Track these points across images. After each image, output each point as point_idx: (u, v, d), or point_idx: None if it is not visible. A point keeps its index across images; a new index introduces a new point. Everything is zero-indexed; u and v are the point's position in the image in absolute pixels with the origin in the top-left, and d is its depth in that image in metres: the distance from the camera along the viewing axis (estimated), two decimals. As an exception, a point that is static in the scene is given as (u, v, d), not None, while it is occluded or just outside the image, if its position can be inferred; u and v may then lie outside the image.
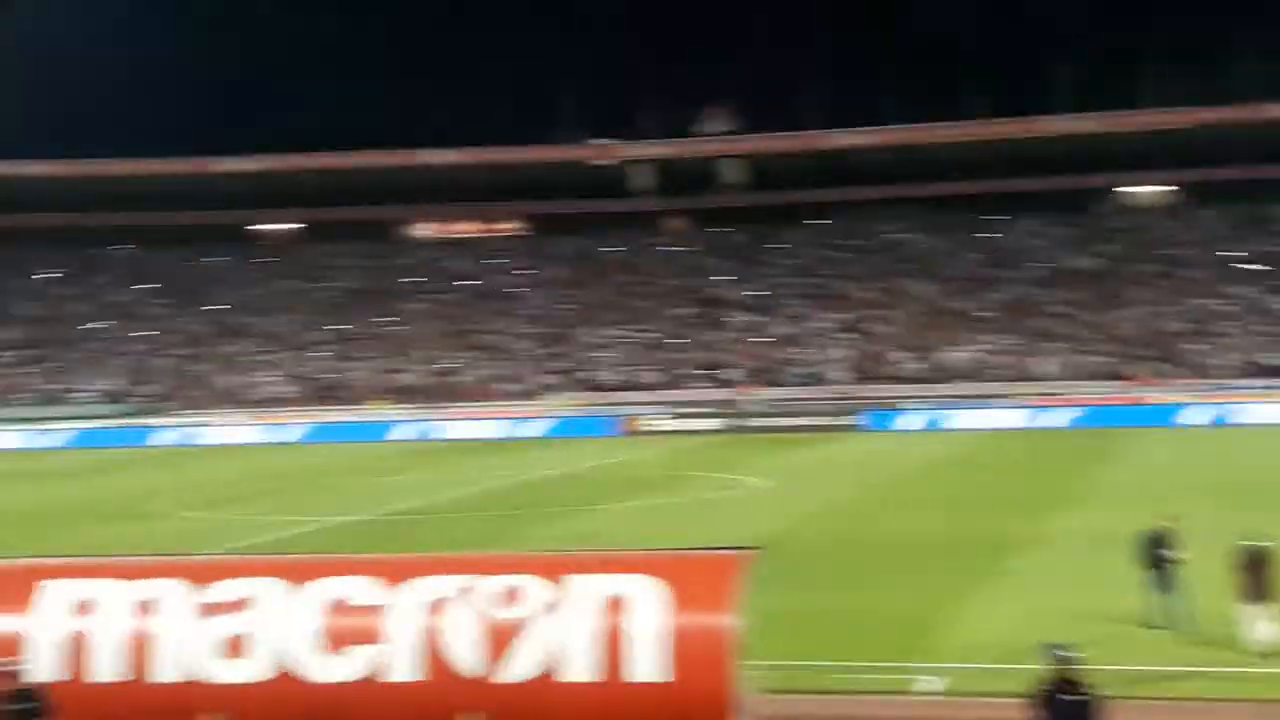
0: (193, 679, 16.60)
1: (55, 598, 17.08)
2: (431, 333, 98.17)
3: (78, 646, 16.75)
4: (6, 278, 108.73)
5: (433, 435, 77.24)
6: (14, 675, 14.74)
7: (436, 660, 16.24)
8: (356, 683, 16.40)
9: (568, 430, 76.11)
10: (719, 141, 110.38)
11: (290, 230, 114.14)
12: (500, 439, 75.17)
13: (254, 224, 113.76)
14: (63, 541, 34.70)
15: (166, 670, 16.66)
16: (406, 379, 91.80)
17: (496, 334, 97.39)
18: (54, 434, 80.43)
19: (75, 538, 36.54)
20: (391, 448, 71.98)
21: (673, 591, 16.02)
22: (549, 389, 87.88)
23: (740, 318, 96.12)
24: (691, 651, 15.76)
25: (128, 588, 17.11)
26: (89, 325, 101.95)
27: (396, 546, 30.18)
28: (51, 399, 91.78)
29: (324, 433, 78.87)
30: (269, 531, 37.31)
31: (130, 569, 17.80)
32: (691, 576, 16.41)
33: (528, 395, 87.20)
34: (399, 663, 16.33)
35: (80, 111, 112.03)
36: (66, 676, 16.40)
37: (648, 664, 15.80)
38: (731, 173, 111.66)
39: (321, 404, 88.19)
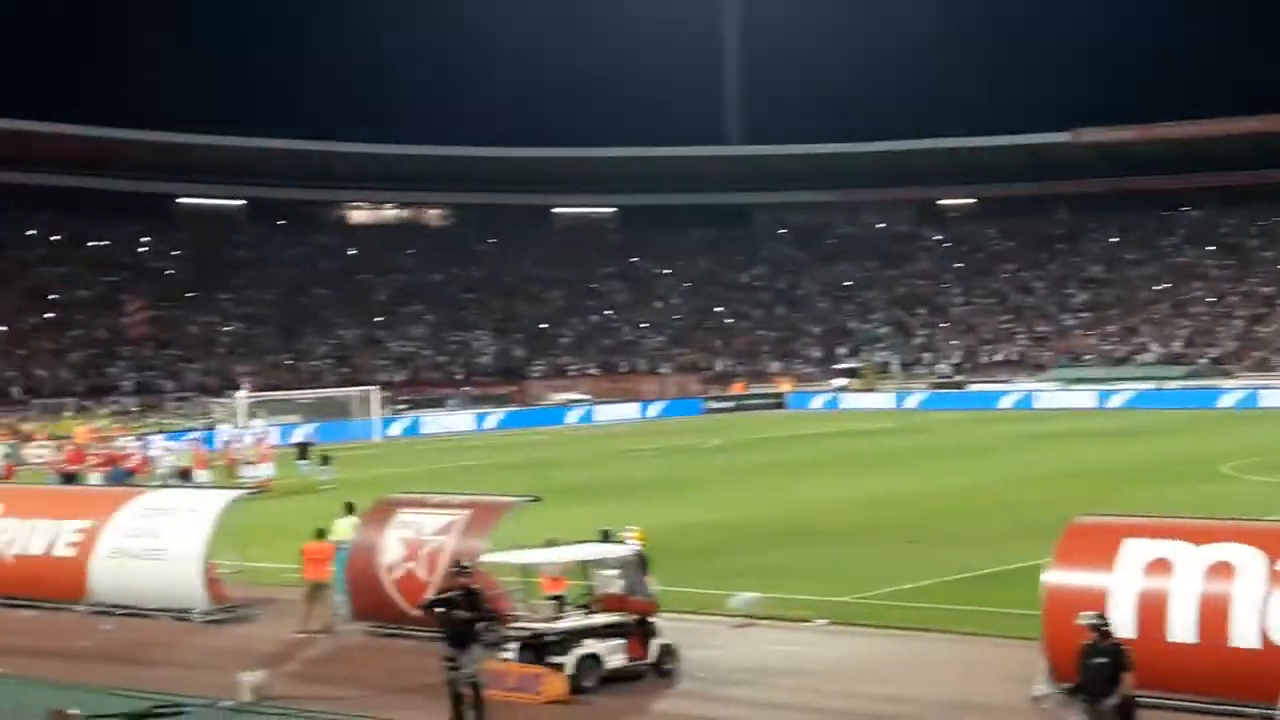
0: (1271, 646, 16.59)
1: (1133, 555, 17.69)
2: None
3: (1152, 604, 17.24)
4: (1080, 241, 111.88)
5: None
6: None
7: None
8: None
9: None
10: None
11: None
12: None
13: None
14: (1131, 500, 35.29)
15: (1242, 636, 16.75)
16: None
17: None
18: (1119, 394, 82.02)
19: (1145, 496, 37.06)
20: None
21: None
22: None
23: None
24: None
25: (1201, 550, 17.39)
26: (1153, 287, 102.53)
27: None
28: (1116, 360, 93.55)
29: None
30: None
31: (1204, 531, 18.05)
32: None
33: None
34: None
35: (1152, 76, 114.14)
36: (1142, 634, 16.92)
37: None
38: None
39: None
